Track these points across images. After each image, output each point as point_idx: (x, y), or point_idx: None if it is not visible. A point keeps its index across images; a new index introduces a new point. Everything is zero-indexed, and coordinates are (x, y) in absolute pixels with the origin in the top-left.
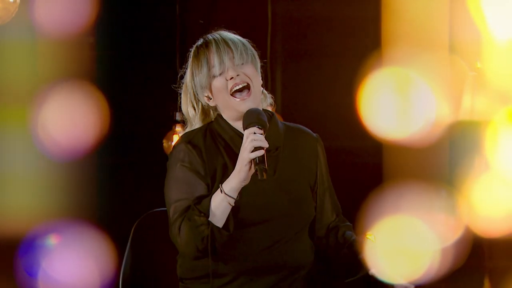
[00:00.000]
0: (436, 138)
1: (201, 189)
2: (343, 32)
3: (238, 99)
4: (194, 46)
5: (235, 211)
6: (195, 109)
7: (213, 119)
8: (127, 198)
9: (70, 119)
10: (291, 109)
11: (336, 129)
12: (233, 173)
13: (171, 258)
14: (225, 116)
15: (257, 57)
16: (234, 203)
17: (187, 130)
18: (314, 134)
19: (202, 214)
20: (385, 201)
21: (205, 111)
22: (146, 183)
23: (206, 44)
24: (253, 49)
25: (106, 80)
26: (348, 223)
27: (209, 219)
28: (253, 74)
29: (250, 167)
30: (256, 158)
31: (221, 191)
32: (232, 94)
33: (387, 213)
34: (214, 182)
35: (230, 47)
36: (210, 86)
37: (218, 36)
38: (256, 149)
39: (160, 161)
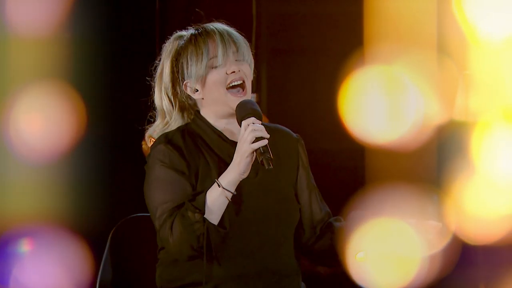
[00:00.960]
0: (424, 140)
1: (186, 189)
2: (327, 29)
3: (233, 96)
4: (187, 36)
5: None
6: (172, 104)
7: (189, 119)
8: (105, 202)
9: (44, 120)
10: (274, 108)
11: (318, 129)
12: (231, 166)
13: (151, 266)
14: (207, 112)
15: (252, 57)
16: (232, 198)
17: (158, 124)
18: (295, 135)
19: (197, 211)
20: (368, 206)
21: (182, 107)
22: (125, 187)
23: (207, 33)
24: (249, 47)
25: (82, 79)
26: (339, 217)
27: (205, 216)
28: (249, 74)
29: (251, 159)
30: (259, 148)
31: (218, 185)
32: (227, 89)
33: (370, 218)
34: (196, 183)
35: (235, 42)
36: (205, 77)
37: (221, 27)
38: (257, 139)
39: (139, 163)
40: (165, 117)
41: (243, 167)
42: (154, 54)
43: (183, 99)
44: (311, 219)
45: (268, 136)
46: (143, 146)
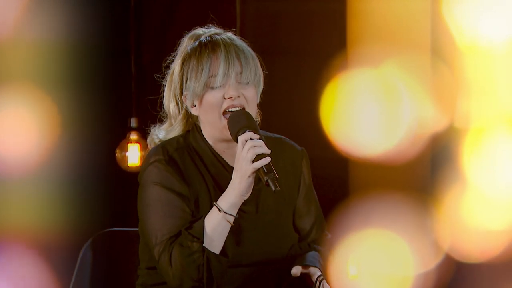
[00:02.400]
0: (417, 152)
1: (186, 215)
2: (311, 28)
3: None
4: (196, 41)
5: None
6: (178, 108)
7: (190, 128)
8: (76, 216)
9: (11, 128)
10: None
11: (299, 135)
12: (230, 186)
13: (128, 285)
14: (205, 132)
15: (262, 78)
16: (233, 230)
17: (164, 127)
18: (299, 148)
19: (196, 239)
20: (352, 219)
21: (187, 114)
22: (98, 199)
23: (213, 46)
24: (260, 67)
25: (51, 83)
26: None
27: (205, 244)
28: (253, 98)
29: (253, 179)
30: (262, 167)
31: (219, 210)
32: (223, 114)
33: (354, 232)
34: (196, 208)
35: (240, 60)
36: (202, 96)
37: (228, 40)
38: (258, 157)
39: (113, 173)
40: (171, 119)
41: (244, 188)
42: (129, 55)
43: (188, 110)
44: (304, 238)
45: (269, 152)
46: (117, 154)
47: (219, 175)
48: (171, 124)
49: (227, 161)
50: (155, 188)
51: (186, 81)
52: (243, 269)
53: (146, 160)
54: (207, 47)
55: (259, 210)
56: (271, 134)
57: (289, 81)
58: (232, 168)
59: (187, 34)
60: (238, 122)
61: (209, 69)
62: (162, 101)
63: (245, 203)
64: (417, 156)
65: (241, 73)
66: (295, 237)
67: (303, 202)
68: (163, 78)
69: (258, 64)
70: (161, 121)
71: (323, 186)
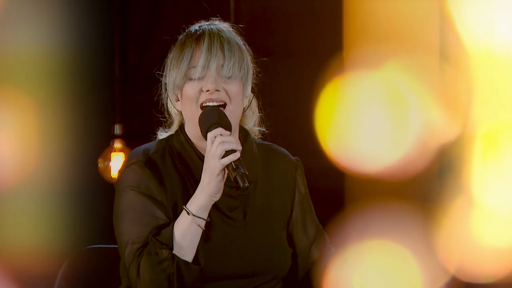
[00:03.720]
0: (422, 164)
1: (161, 222)
2: (307, 29)
3: None
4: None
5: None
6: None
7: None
8: (55, 233)
9: None
10: None
11: (293, 143)
12: (199, 188)
13: None
14: (188, 131)
15: (250, 73)
16: (217, 240)
17: (172, 129)
18: (293, 158)
19: (164, 246)
20: (349, 233)
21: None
22: (78, 214)
23: (198, 37)
24: (250, 61)
25: (30, 87)
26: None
27: (174, 251)
28: (237, 94)
29: (223, 177)
30: (231, 163)
31: (188, 213)
32: (202, 107)
33: (356, 250)
34: (174, 216)
35: (224, 52)
36: (182, 88)
37: (214, 30)
38: (227, 153)
39: (95, 185)
40: (173, 124)
41: (214, 187)
42: (113, 57)
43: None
44: (306, 261)
45: (240, 148)
46: (99, 164)
47: (201, 174)
48: (171, 123)
49: None
50: (130, 193)
51: (168, 72)
52: (229, 282)
53: (124, 164)
54: (192, 37)
55: (247, 217)
56: (265, 143)
57: (283, 84)
58: None
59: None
60: (208, 119)
61: (190, 59)
62: (161, 103)
63: (232, 209)
64: (423, 169)
65: (222, 65)
66: (288, 250)
67: (299, 216)
68: (160, 76)
69: (247, 59)
70: (148, 125)
71: (319, 198)
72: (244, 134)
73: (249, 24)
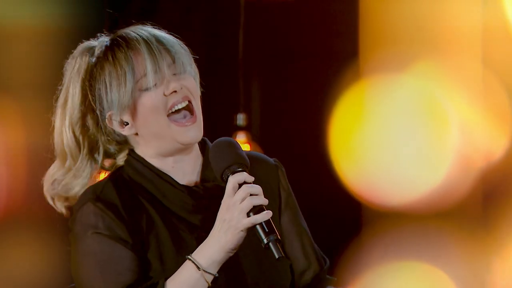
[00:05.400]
0: (465, 191)
1: (131, 265)
2: (323, 31)
3: (179, 125)
4: (98, 50)
5: None
6: (79, 143)
7: (105, 164)
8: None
9: None
10: (266, 132)
11: (301, 162)
12: (213, 238)
13: None
14: (146, 150)
15: (196, 68)
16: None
17: (54, 172)
18: (272, 160)
19: None
20: (367, 256)
21: (91, 147)
22: (53, 249)
23: (128, 44)
24: (189, 52)
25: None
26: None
27: None
28: (195, 89)
29: (245, 233)
30: (262, 223)
31: (198, 268)
32: (169, 116)
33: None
34: (144, 249)
35: (168, 50)
36: (134, 105)
37: (142, 31)
38: (254, 208)
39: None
40: (67, 160)
41: (233, 244)
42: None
43: (95, 136)
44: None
45: (267, 202)
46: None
47: (169, 197)
48: (67, 168)
49: (176, 179)
50: (86, 239)
51: (106, 96)
52: None
53: (73, 210)
54: (121, 46)
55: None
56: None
57: (295, 90)
58: (184, 186)
59: (71, 55)
60: (226, 154)
61: (134, 69)
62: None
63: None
64: (466, 195)
65: (173, 63)
66: (286, 266)
67: (288, 222)
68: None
69: (187, 49)
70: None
71: (332, 221)
72: (201, 141)
73: (260, 26)
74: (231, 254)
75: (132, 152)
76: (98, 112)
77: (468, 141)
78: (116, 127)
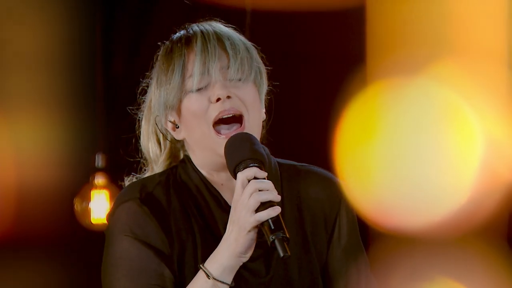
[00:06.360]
0: (493, 207)
1: (163, 281)
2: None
3: (222, 135)
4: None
5: None
6: (160, 146)
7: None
8: None
9: None
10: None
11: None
12: (224, 244)
13: None
14: (197, 161)
15: (264, 74)
16: None
17: (143, 175)
18: (335, 178)
19: None
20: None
21: (173, 149)
22: (51, 270)
23: (188, 39)
24: (259, 59)
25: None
26: None
27: None
28: (253, 101)
29: (255, 234)
30: (268, 220)
31: (208, 276)
32: (214, 126)
33: None
34: (182, 266)
35: (226, 50)
36: (179, 106)
37: (208, 27)
38: (263, 205)
39: (71, 233)
40: (153, 167)
41: (243, 246)
42: (93, 67)
43: (173, 140)
44: None
45: (279, 199)
46: (76, 206)
47: (214, 218)
48: (152, 171)
49: (226, 198)
50: (123, 240)
51: (156, 92)
52: None
53: (115, 202)
54: (180, 41)
55: (271, 271)
56: (291, 163)
57: (300, 95)
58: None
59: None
60: (238, 150)
61: (184, 66)
62: (137, 141)
63: (250, 260)
64: (494, 212)
65: (228, 66)
66: None
67: (340, 257)
68: (137, 109)
69: (255, 53)
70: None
71: None
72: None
73: (266, 32)
74: (244, 260)
75: (187, 158)
76: (152, 109)
77: (494, 153)
78: (169, 128)
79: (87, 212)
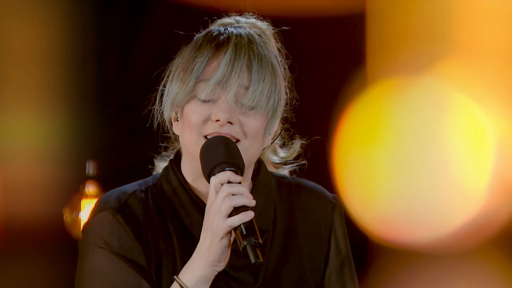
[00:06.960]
0: (503, 221)
1: None
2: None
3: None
4: (205, 31)
5: None
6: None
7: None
8: None
9: None
10: None
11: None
12: (197, 252)
13: None
14: (185, 165)
15: (281, 104)
16: None
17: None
18: (330, 194)
19: None
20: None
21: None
22: (38, 285)
23: (220, 42)
24: (283, 88)
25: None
26: None
27: None
28: (256, 131)
29: (229, 241)
30: (240, 226)
31: (181, 286)
32: (206, 137)
33: None
34: (160, 278)
35: (251, 72)
36: (183, 106)
37: (244, 37)
38: (236, 210)
39: (60, 245)
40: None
41: (216, 254)
42: (86, 68)
43: None
44: None
45: (253, 203)
46: (65, 216)
47: (193, 224)
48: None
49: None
50: (97, 254)
51: (172, 81)
52: None
53: (90, 212)
54: (213, 40)
55: (259, 281)
56: (288, 178)
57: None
58: None
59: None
60: (212, 155)
61: (203, 69)
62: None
63: (238, 269)
64: (504, 229)
65: (246, 89)
66: None
67: (335, 277)
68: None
69: (281, 84)
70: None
71: None
72: (255, 165)
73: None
74: (219, 269)
75: (174, 163)
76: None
77: (507, 161)
78: (172, 118)
79: (77, 222)
